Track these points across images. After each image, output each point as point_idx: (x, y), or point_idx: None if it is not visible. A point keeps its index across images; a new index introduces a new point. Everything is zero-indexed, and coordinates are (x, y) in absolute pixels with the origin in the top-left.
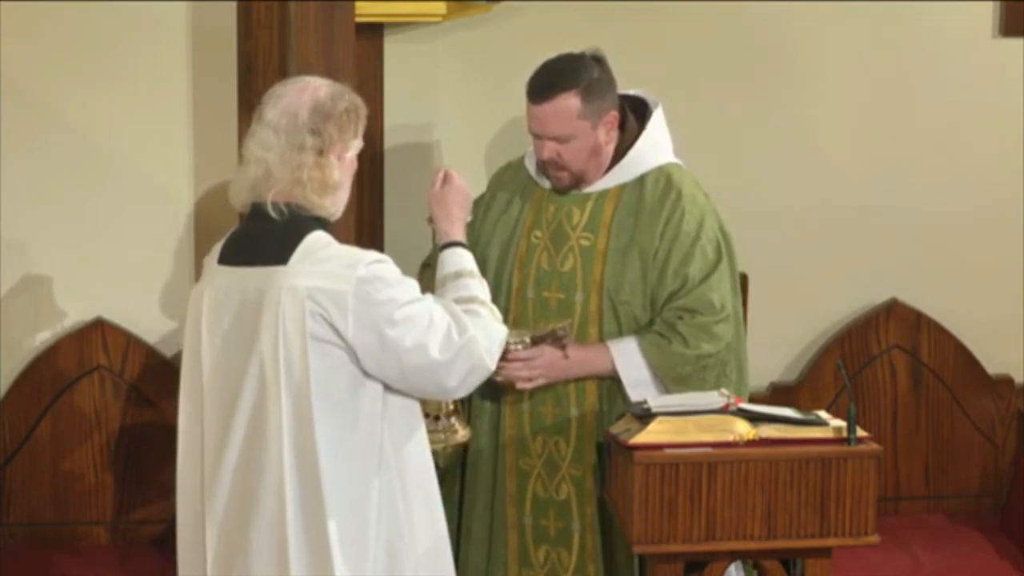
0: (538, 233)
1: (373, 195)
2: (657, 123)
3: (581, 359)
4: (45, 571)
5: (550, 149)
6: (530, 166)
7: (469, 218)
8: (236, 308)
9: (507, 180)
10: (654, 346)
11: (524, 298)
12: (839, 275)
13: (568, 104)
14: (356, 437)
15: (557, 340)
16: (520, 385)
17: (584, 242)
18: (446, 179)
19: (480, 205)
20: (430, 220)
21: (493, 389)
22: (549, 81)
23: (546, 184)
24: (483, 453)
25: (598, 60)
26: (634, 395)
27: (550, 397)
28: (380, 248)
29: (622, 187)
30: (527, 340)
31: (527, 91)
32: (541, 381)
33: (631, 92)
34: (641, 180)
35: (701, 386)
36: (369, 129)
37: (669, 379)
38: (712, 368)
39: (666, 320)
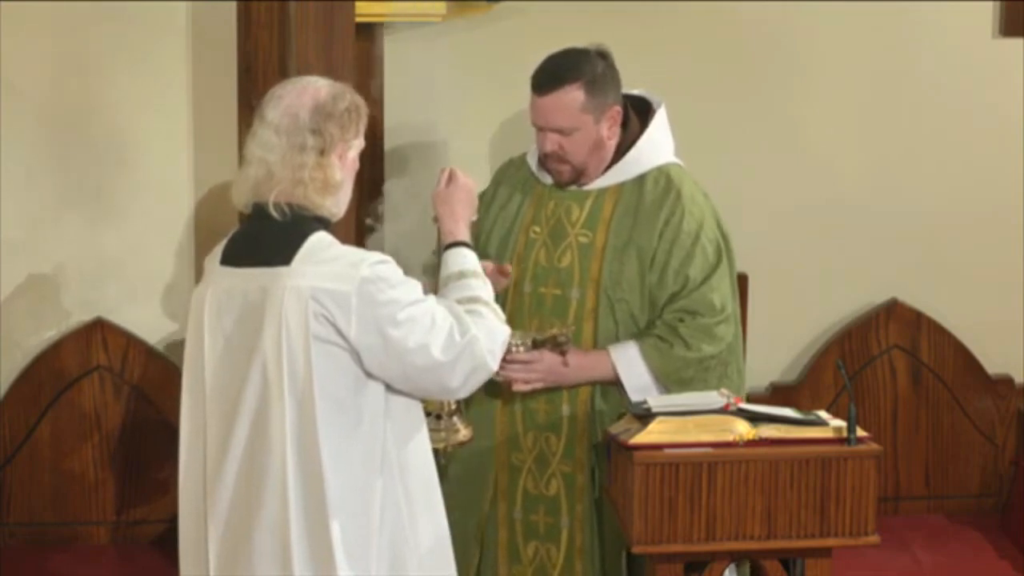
0: (537, 228)
1: (373, 195)
2: (660, 123)
3: (581, 366)
4: (45, 571)
5: (552, 141)
6: (532, 162)
7: (475, 217)
8: (238, 309)
9: (509, 175)
10: (656, 351)
11: (521, 293)
12: (839, 275)
13: (572, 96)
14: (359, 437)
15: (558, 346)
16: (517, 387)
17: (583, 239)
18: (451, 178)
19: (482, 200)
20: (435, 219)
21: (488, 385)
22: (553, 73)
23: (547, 180)
24: (476, 448)
25: (603, 55)
26: (636, 400)
27: (542, 394)
28: (379, 248)
29: (622, 185)
30: (528, 343)
31: (532, 83)
32: (539, 385)
33: (635, 92)
34: (641, 179)
35: (703, 388)
36: (369, 129)
37: (671, 382)
38: (714, 370)
39: (667, 323)
